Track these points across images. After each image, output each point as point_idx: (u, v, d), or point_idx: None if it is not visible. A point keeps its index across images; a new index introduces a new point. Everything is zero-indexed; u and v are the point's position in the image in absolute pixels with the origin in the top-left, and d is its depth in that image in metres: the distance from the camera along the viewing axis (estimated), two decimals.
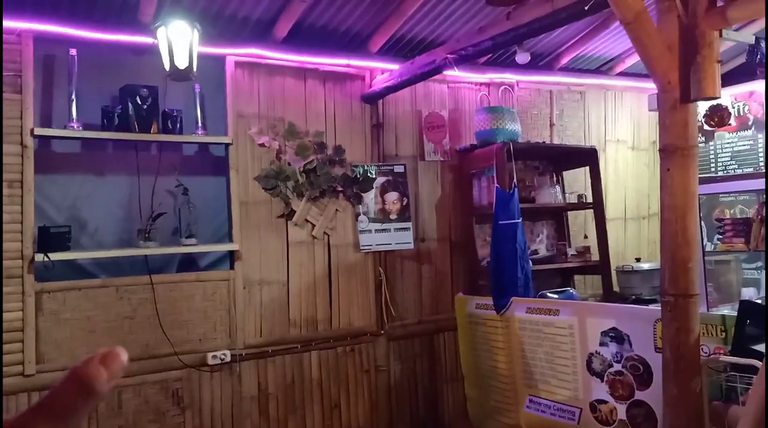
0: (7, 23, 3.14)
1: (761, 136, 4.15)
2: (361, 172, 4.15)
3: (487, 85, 4.74)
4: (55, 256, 3.16)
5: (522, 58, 4.20)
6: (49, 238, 3.17)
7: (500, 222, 3.84)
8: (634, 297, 4.20)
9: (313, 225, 4.01)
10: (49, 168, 3.34)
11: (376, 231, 4.21)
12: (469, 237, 4.49)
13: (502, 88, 4.73)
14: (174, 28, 2.96)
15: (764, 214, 3.58)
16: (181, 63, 2.97)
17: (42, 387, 3.18)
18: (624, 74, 5.25)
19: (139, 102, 3.43)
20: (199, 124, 3.63)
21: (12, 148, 3.16)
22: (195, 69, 3.06)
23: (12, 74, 3.16)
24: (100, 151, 3.54)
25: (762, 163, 4.12)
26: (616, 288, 4.52)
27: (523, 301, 3.58)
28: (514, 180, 4.00)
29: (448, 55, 3.48)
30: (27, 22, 3.19)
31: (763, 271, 3.77)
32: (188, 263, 3.74)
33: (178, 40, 2.96)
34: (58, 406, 0.42)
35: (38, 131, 3.22)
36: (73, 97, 3.25)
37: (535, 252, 4.63)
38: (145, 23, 3.32)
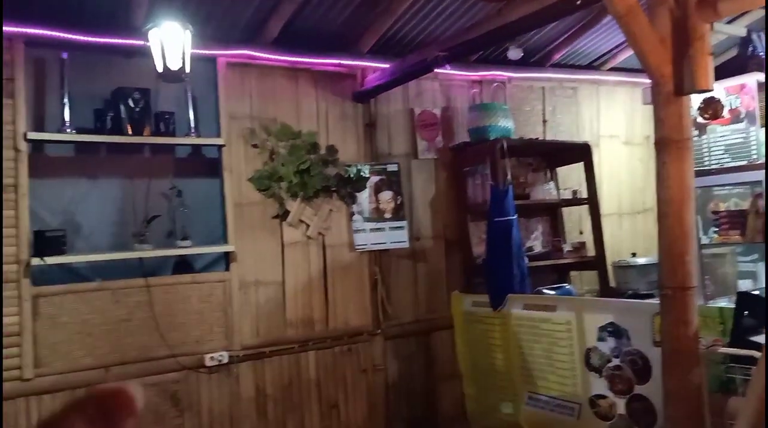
0: None
1: (753, 129, 4.17)
2: (355, 171, 4.14)
3: (479, 82, 4.73)
4: (51, 260, 3.14)
5: (514, 54, 4.21)
6: (44, 242, 3.15)
7: (495, 219, 3.84)
8: (630, 291, 4.21)
9: (308, 226, 4.00)
10: (42, 172, 3.31)
11: (371, 230, 4.20)
12: (464, 235, 4.49)
13: (495, 84, 4.73)
14: (166, 30, 2.94)
15: (760, 206, 3.59)
16: (174, 64, 2.96)
17: (41, 391, 3.17)
18: (616, 69, 5.26)
19: (132, 104, 3.41)
20: (192, 125, 3.61)
21: (6, 152, 3.14)
22: (188, 70, 3.04)
23: (4, 79, 3.13)
24: (93, 154, 3.51)
25: (755, 156, 4.14)
26: (612, 284, 4.53)
27: (520, 298, 3.58)
28: (508, 176, 4.00)
29: (440, 53, 3.48)
30: (18, 27, 3.16)
31: (761, 263, 3.78)
32: (183, 265, 3.72)
33: (171, 42, 2.94)
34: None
35: (31, 135, 3.19)
36: (66, 100, 3.24)
37: (531, 248, 4.63)
38: (136, 25, 3.30)
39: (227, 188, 3.75)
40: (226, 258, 3.75)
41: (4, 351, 3.11)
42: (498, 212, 3.84)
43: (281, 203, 3.90)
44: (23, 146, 3.17)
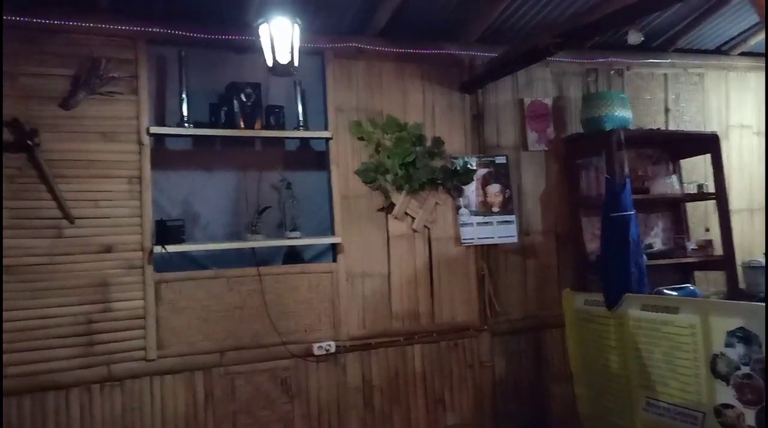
0: (122, 27, 3.34)
1: None
2: (461, 163, 4.07)
3: (595, 69, 4.51)
4: (171, 248, 3.32)
5: (634, 39, 3.98)
6: (165, 231, 3.34)
7: (611, 214, 3.63)
8: (762, 294, 3.84)
9: (413, 219, 3.97)
10: (163, 164, 3.51)
11: (478, 224, 4.12)
12: (577, 231, 4.30)
13: (612, 72, 4.49)
14: (275, 25, 3.01)
15: None
16: (283, 58, 3.02)
17: (163, 371, 3.37)
18: (747, 54, 4.85)
19: (244, 99, 3.54)
20: (301, 118, 3.69)
21: (130, 146, 3.36)
22: (296, 64, 3.10)
23: (128, 76, 3.35)
24: (209, 147, 3.69)
25: None
26: (742, 286, 4.17)
27: (638, 298, 3.36)
28: (626, 169, 3.78)
29: (552, 40, 3.32)
30: (140, 26, 3.37)
31: None
32: (293, 256, 3.82)
33: (280, 36, 3.01)
34: None
35: (153, 130, 3.39)
36: (184, 95, 3.41)
37: (650, 246, 4.37)
38: (248, 21, 3.41)
39: (334, 180, 3.80)
40: (334, 250, 3.81)
41: (131, 332, 3.33)
42: (614, 207, 3.62)
43: (387, 196, 3.90)
44: (146, 140, 3.38)
